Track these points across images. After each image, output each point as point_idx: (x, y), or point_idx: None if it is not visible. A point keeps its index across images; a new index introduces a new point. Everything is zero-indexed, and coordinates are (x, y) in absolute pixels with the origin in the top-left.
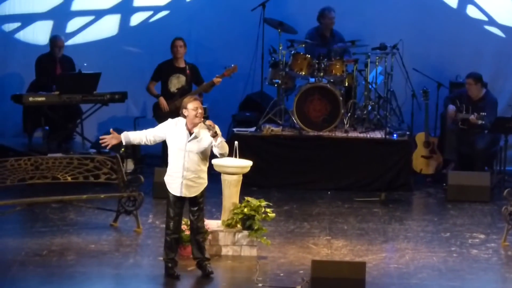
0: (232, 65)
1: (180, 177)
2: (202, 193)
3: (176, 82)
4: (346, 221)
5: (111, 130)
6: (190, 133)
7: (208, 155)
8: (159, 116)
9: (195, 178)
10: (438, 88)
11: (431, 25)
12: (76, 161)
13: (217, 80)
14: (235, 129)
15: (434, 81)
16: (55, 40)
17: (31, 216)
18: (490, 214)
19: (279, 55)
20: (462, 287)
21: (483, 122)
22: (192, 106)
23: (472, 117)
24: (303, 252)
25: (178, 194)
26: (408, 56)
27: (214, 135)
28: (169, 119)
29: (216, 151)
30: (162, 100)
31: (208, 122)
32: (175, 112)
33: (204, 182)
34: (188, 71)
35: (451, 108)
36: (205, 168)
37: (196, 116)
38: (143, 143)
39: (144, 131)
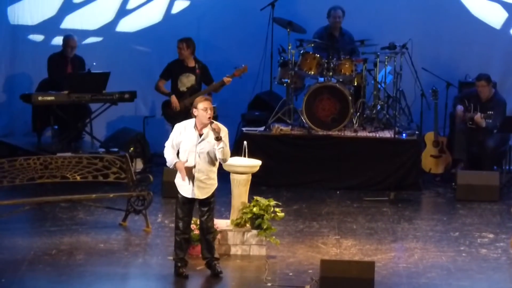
0: (243, 66)
1: (192, 179)
2: (213, 194)
3: (186, 81)
4: (355, 221)
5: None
6: (200, 135)
7: None
8: (168, 115)
9: (206, 179)
10: (447, 88)
11: (441, 24)
12: (85, 160)
13: (227, 80)
14: (244, 129)
15: (444, 80)
16: (68, 40)
17: (40, 215)
18: (499, 214)
19: (288, 55)
20: (471, 287)
21: (490, 121)
22: (202, 106)
23: (477, 116)
24: (312, 252)
25: (190, 196)
26: (417, 55)
27: (217, 139)
28: (176, 125)
29: (217, 154)
30: (174, 99)
31: (214, 124)
32: (184, 112)
33: (214, 183)
34: (197, 70)
35: (459, 108)
36: (215, 168)
37: (205, 117)
38: None
39: (170, 148)
